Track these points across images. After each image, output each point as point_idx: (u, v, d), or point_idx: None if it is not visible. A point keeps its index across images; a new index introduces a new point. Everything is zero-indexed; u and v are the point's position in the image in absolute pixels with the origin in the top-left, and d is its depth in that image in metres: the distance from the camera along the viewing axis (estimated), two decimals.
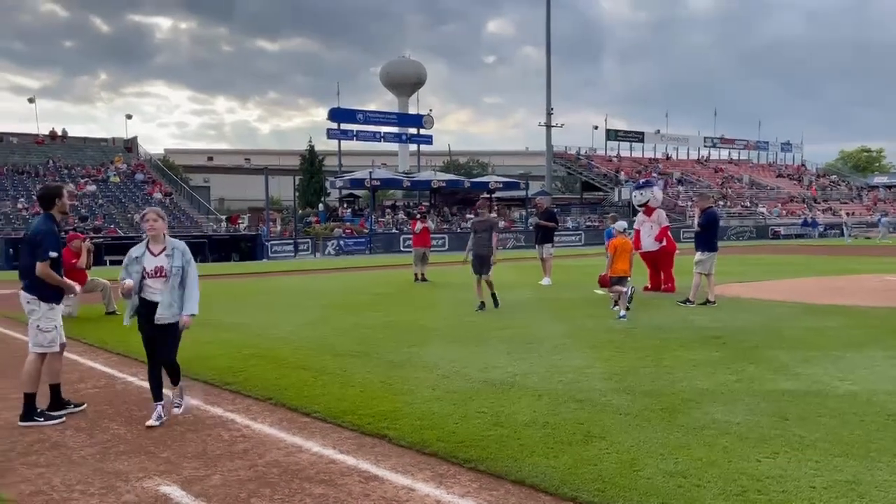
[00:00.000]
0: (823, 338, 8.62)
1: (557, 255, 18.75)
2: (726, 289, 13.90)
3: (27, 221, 34.55)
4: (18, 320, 11.79)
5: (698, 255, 11.96)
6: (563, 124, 59.36)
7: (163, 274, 5.52)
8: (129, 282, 5.49)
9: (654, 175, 56.59)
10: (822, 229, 51.45)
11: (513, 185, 52.00)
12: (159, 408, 5.57)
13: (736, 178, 65.30)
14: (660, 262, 14.44)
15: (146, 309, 5.54)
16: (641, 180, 18.40)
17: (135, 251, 5.65)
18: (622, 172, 57.17)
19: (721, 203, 55.96)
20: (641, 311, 11.11)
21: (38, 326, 5.79)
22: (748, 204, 57.41)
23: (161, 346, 5.62)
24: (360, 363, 7.53)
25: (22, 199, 36.53)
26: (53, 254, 5.74)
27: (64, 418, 5.74)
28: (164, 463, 4.62)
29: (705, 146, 69.12)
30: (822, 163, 79.07)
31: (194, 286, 5.64)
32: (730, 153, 71.42)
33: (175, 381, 5.85)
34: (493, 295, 11.90)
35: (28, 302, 5.80)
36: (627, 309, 10.57)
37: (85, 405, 6.06)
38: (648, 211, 14.52)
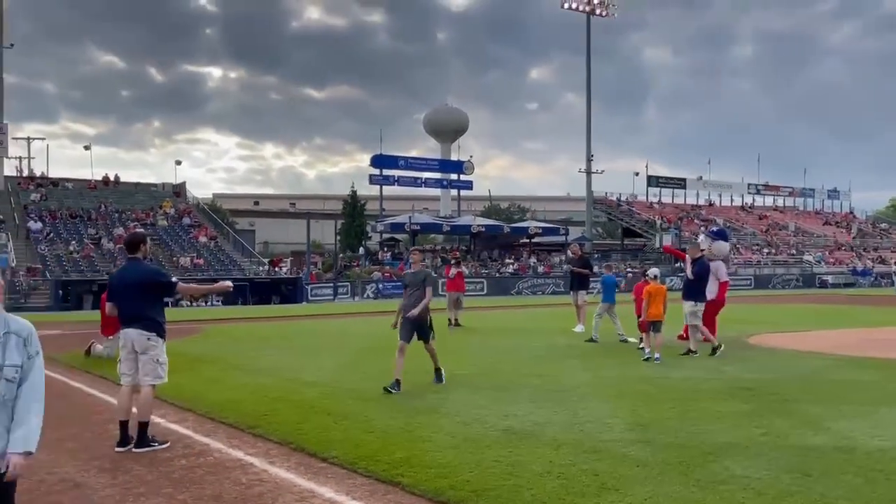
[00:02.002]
0: (858, 392, 8.38)
1: (593, 302, 18.61)
2: (763, 339, 13.63)
3: (77, 264, 35.73)
4: (58, 361, 12.17)
5: (690, 306, 11.75)
6: (603, 171, 59.25)
7: None
8: None
9: (694, 224, 56.05)
10: (872, 278, 50.07)
11: (553, 231, 51.95)
12: None
13: (781, 225, 64.16)
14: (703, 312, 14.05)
15: None
16: (714, 228, 17.84)
17: None
18: (659, 218, 56.62)
19: (766, 251, 54.99)
20: (672, 360, 10.96)
21: (157, 360, 6.32)
22: (794, 252, 56.25)
23: None
24: (384, 408, 7.58)
25: (74, 243, 37.78)
26: (174, 278, 6.58)
27: (168, 443, 6.27)
28: None
29: (749, 193, 68.21)
30: (871, 210, 77.34)
31: (35, 399, 3.25)
32: (774, 200, 70.32)
33: None
34: (437, 370, 9.30)
35: (148, 339, 6.30)
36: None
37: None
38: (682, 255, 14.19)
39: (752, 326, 16.83)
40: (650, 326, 11.24)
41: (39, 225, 39.02)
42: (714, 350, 11.51)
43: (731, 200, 67.47)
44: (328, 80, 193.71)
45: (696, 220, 58.74)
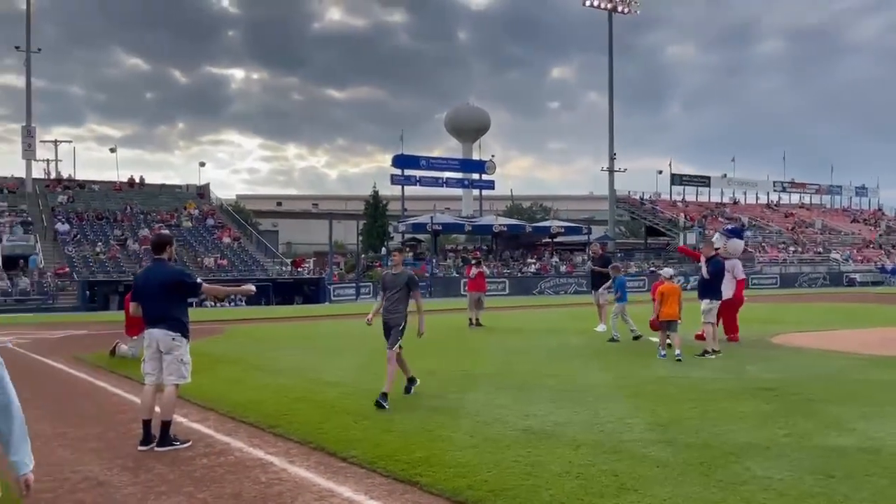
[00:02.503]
0: (884, 392, 8.25)
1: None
2: (787, 338, 13.46)
3: (104, 265, 36.23)
4: (84, 361, 12.36)
5: (706, 304, 11.65)
6: (625, 169, 58.94)
7: None
8: None
9: (719, 222, 55.42)
10: None
11: (575, 230, 51.73)
12: None
13: (808, 223, 63.30)
14: (722, 311, 13.97)
15: None
16: (729, 226, 17.71)
17: None
18: (682, 216, 56.08)
19: (792, 249, 54.27)
20: (692, 360, 10.86)
21: (181, 360, 6.41)
22: (821, 250, 55.45)
23: None
24: (403, 408, 7.59)
25: (100, 244, 38.32)
26: (198, 278, 6.68)
27: (190, 442, 6.34)
28: None
29: (775, 190, 67.38)
30: None
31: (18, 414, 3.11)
32: (801, 197, 69.36)
33: None
34: (409, 380, 8.45)
35: (173, 339, 6.39)
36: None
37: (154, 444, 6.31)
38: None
39: (777, 326, 16.64)
40: (665, 326, 11.26)
41: (67, 226, 39.64)
42: (705, 353, 11.27)
43: (756, 198, 66.68)
44: (349, 81, 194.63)
45: (720, 219, 58.10)
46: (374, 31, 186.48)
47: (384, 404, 7.52)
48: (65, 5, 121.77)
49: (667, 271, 11.83)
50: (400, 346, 8.00)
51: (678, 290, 11.45)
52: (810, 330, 15.93)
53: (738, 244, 14.52)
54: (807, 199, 69.53)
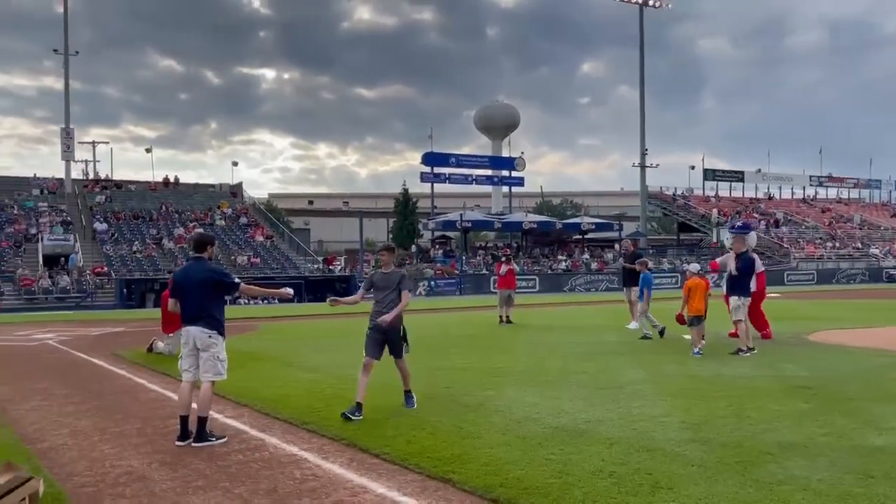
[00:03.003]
0: None
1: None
2: (824, 336, 13.22)
3: (140, 263, 36.87)
4: (123, 358, 12.60)
5: (735, 301, 11.49)
6: (657, 165, 58.34)
7: None
8: None
9: (752, 217, 54.63)
10: None
11: (606, 226, 51.35)
12: None
13: (846, 218, 62.02)
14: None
15: None
16: (738, 223, 17.68)
17: None
18: (714, 212, 55.28)
19: (830, 245, 53.24)
20: (727, 358, 10.73)
21: (218, 357, 6.51)
22: (859, 245, 54.30)
23: None
24: (435, 405, 7.62)
25: (137, 243, 39.01)
26: (237, 279, 6.76)
27: (226, 438, 6.44)
28: (236, 499, 4.84)
29: (811, 185, 66.13)
30: None
31: None
32: (838, 192, 67.99)
33: None
34: (407, 392, 7.76)
35: (210, 336, 6.50)
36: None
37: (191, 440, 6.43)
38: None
39: (813, 323, 16.36)
40: (692, 321, 11.24)
41: (105, 226, 40.44)
42: (739, 350, 11.12)
43: (792, 193, 65.53)
44: (379, 80, 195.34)
45: (754, 214, 57.25)
46: (403, 30, 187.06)
47: (354, 417, 6.94)
48: (100, 8, 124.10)
49: (693, 266, 11.93)
50: (408, 351, 7.70)
51: (704, 284, 11.41)
52: (848, 327, 15.63)
53: (755, 237, 14.66)
54: (844, 194, 68.17)
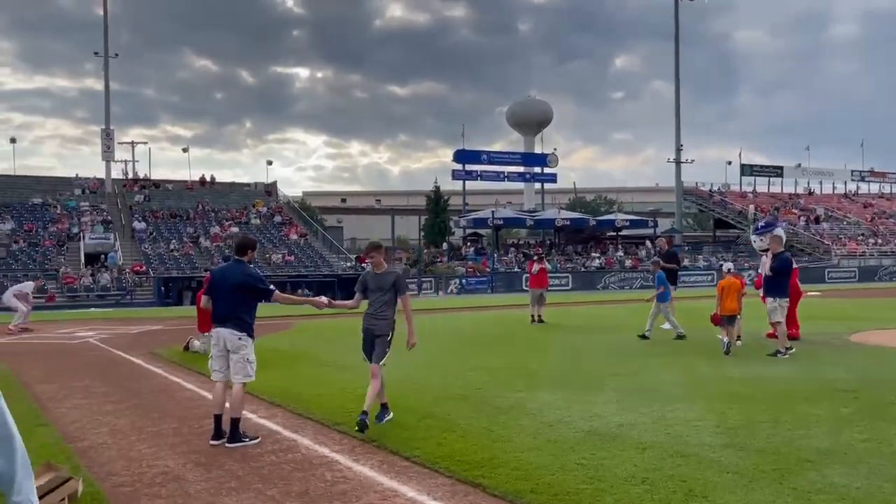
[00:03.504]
0: None
1: (685, 297, 18.11)
2: (866, 336, 12.90)
3: (178, 261, 37.49)
4: (160, 356, 12.82)
5: (771, 303, 11.23)
6: (693, 160, 57.57)
7: None
8: None
9: (792, 213, 53.58)
10: None
11: (640, 223, 50.80)
12: None
13: (889, 213, 60.45)
14: None
15: None
16: (761, 223, 17.28)
17: None
18: (751, 208, 54.22)
19: (872, 241, 51.98)
20: (764, 360, 10.54)
21: (247, 359, 6.60)
22: None
23: None
24: (466, 408, 7.61)
25: (174, 241, 39.67)
26: (272, 286, 6.76)
27: (259, 438, 6.50)
28: (269, 501, 4.89)
29: (853, 180, 64.58)
30: None
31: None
32: (881, 187, 66.27)
33: None
34: (383, 405, 7.11)
35: (240, 338, 6.59)
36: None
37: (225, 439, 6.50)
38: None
39: (855, 323, 15.98)
40: (726, 321, 11.23)
41: (143, 225, 41.19)
42: (777, 352, 10.88)
43: (833, 188, 64.04)
44: (411, 77, 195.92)
45: (794, 210, 56.14)
46: (435, 27, 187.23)
47: (366, 425, 6.52)
48: (137, 10, 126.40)
49: (727, 265, 12.02)
50: (384, 364, 7.05)
51: (738, 284, 11.35)
52: (891, 327, 15.23)
53: (782, 232, 14.32)
54: (887, 189, 66.38)
